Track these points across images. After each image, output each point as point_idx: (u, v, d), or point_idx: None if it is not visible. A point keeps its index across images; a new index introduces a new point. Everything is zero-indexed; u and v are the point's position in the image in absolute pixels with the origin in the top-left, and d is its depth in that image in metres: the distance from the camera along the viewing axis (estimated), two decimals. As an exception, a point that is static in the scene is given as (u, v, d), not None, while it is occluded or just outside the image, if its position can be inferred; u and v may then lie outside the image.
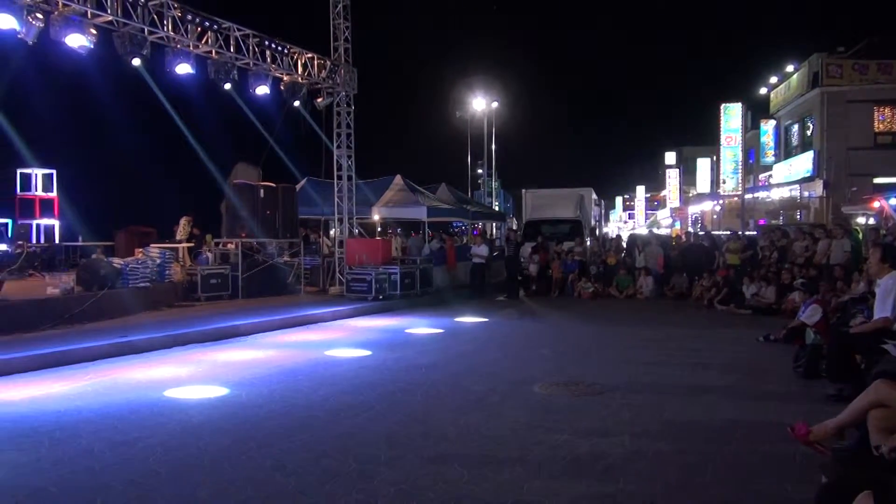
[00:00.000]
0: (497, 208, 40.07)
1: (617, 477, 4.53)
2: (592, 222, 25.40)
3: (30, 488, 4.33)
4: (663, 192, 64.93)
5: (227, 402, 6.62)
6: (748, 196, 31.53)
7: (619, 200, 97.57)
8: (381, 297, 14.70)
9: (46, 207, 19.02)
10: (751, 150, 35.88)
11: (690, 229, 34.78)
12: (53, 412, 6.13)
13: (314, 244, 19.99)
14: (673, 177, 57.88)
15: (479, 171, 45.15)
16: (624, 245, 20.00)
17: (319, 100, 15.98)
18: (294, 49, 15.05)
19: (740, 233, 20.68)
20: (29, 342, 8.85)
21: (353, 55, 16.46)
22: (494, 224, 32.24)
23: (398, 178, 21.02)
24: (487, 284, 17.96)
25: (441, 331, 11.46)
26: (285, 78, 15.03)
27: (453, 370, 8.11)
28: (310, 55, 15.47)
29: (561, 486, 4.40)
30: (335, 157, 16.53)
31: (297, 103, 15.41)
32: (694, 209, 45.93)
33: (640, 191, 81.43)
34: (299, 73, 15.21)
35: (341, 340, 10.34)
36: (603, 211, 37.49)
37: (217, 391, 6.97)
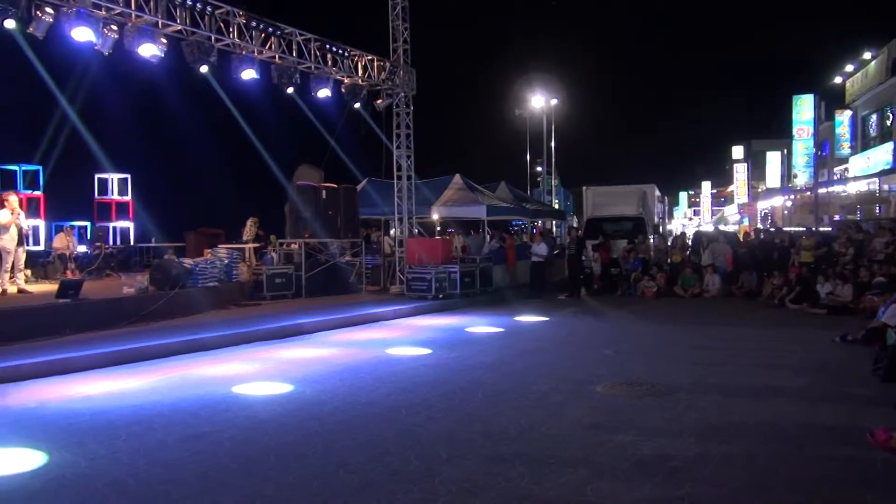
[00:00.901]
0: (557, 206, 39.67)
1: (683, 480, 4.40)
2: (656, 219, 24.79)
3: (109, 479, 4.53)
4: (730, 188, 62.98)
5: (292, 398, 6.77)
6: (822, 190, 30.19)
7: (683, 197, 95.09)
8: (440, 296, 14.76)
9: (122, 210, 19.90)
10: (824, 142, 34.34)
11: (760, 226, 33.56)
12: (129, 406, 6.41)
13: (375, 244, 20.25)
14: (741, 171, 56.06)
15: (539, 168, 44.81)
16: (689, 242, 19.47)
17: (379, 101, 16.17)
18: (354, 52, 15.27)
19: (814, 229, 19.81)
20: (106, 339, 9.27)
21: (411, 56, 16.59)
22: (554, 222, 31.91)
23: (457, 178, 21.05)
24: (548, 283, 17.78)
25: (501, 330, 11.41)
26: (346, 80, 15.28)
27: (514, 369, 8.07)
28: (369, 57, 15.67)
29: (625, 488, 4.32)
30: (395, 158, 16.69)
31: (357, 105, 15.64)
32: (763, 205, 44.35)
33: (706, 186, 79.17)
34: (359, 75, 15.42)
35: (402, 339, 10.43)
36: (667, 208, 36.62)
37: (282, 388, 7.14)
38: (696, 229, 34.52)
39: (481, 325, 11.79)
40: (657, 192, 25.24)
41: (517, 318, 12.74)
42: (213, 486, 4.40)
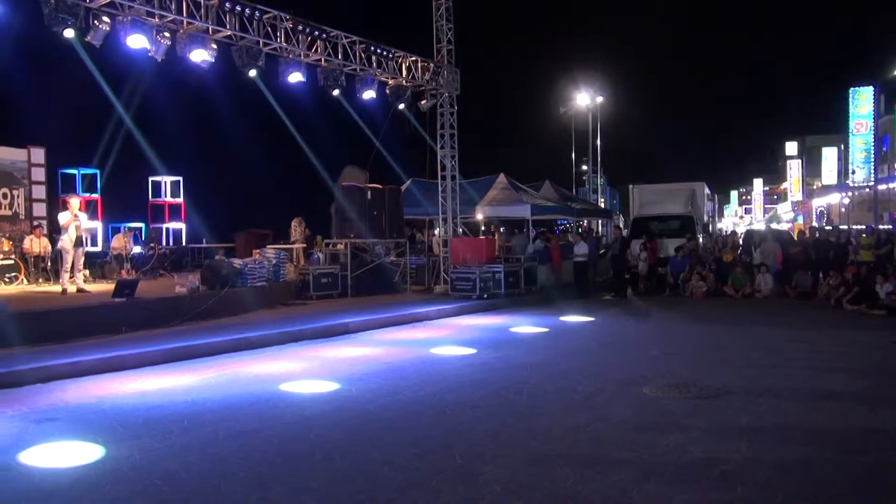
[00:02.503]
0: (603, 205, 39.18)
1: (734, 484, 4.30)
2: (705, 218, 24.29)
3: (163, 471, 4.67)
4: (783, 185, 61.20)
5: (338, 396, 6.85)
6: (882, 187, 29.04)
7: (734, 195, 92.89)
8: (485, 295, 14.74)
9: (174, 212, 20.50)
10: (885, 136, 33.04)
11: (815, 224, 32.50)
12: (181, 402, 6.59)
13: (419, 244, 20.35)
14: (794, 168, 54.44)
15: (584, 167, 44.35)
16: (740, 241, 19.00)
17: (423, 102, 16.25)
18: (398, 53, 15.38)
19: (874, 226, 19.08)
20: (160, 337, 9.56)
21: (455, 55, 16.62)
22: (600, 221, 31.51)
23: (501, 177, 20.99)
24: (592, 283, 17.59)
25: (546, 330, 11.33)
26: (390, 82, 15.40)
27: (559, 370, 8.00)
28: (413, 58, 15.76)
29: (673, 491, 4.24)
30: (439, 158, 16.74)
31: (401, 106, 15.75)
32: (819, 202, 42.95)
33: (758, 184, 77.15)
34: (404, 76, 15.53)
35: (446, 338, 10.46)
36: (717, 206, 35.76)
37: (328, 386, 7.23)
38: (748, 228, 33.63)
39: (526, 325, 11.73)
40: (707, 190, 24.72)
41: (562, 319, 12.63)
42: (262, 481, 4.49)
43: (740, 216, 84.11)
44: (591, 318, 12.73)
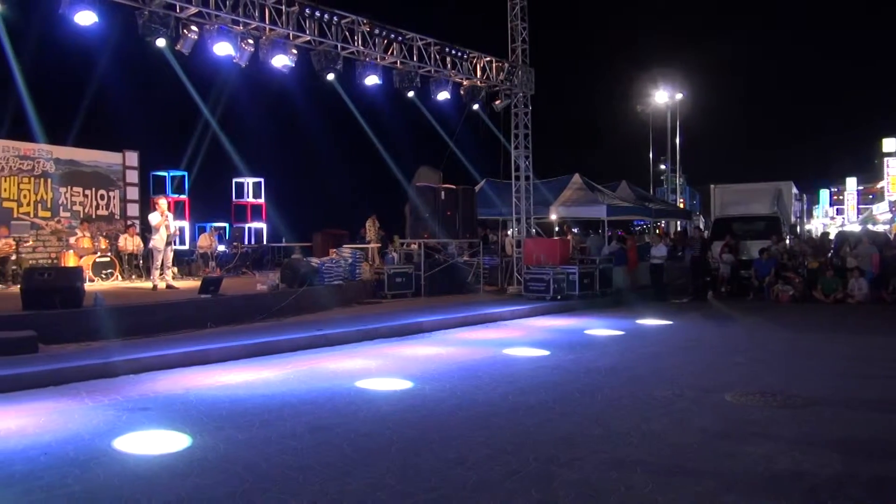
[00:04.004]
0: (682, 206, 38.03)
1: (824, 499, 4.08)
2: (793, 219, 23.15)
3: (245, 462, 4.84)
4: (880, 184, 57.68)
5: (412, 394, 6.92)
6: None
7: (824, 194, 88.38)
8: (559, 297, 14.57)
9: (256, 212, 21.27)
10: None
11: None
12: (262, 396, 6.82)
13: (492, 244, 20.32)
14: (893, 166, 51.17)
15: (663, 166, 43.18)
16: (831, 243, 18.02)
17: (497, 102, 16.22)
18: (473, 54, 15.41)
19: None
20: (242, 333, 9.93)
21: (530, 55, 16.50)
22: (679, 222, 30.59)
23: (576, 177, 20.69)
24: (669, 286, 17.10)
25: (622, 332, 11.09)
26: (465, 83, 15.45)
27: (635, 374, 7.81)
28: (488, 59, 15.76)
29: (757, 503, 4.06)
30: (513, 158, 16.66)
31: (475, 106, 15.77)
32: (919, 202, 40.15)
33: (851, 183, 73.06)
34: (478, 76, 15.55)
35: (519, 339, 10.39)
36: (805, 206, 34.04)
37: (402, 384, 7.32)
38: (840, 229, 31.87)
39: (601, 328, 11.51)
40: (794, 190, 23.56)
41: (638, 322, 12.33)
42: (338, 475, 4.58)
43: (831, 217, 79.84)
44: (670, 322, 12.37)
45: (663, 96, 36.32)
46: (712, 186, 22.52)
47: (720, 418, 5.88)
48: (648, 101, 37.46)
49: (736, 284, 16.88)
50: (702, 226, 29.00)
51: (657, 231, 27.64)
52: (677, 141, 37.88)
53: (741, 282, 16.87)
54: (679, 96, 36.88)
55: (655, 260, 16.89)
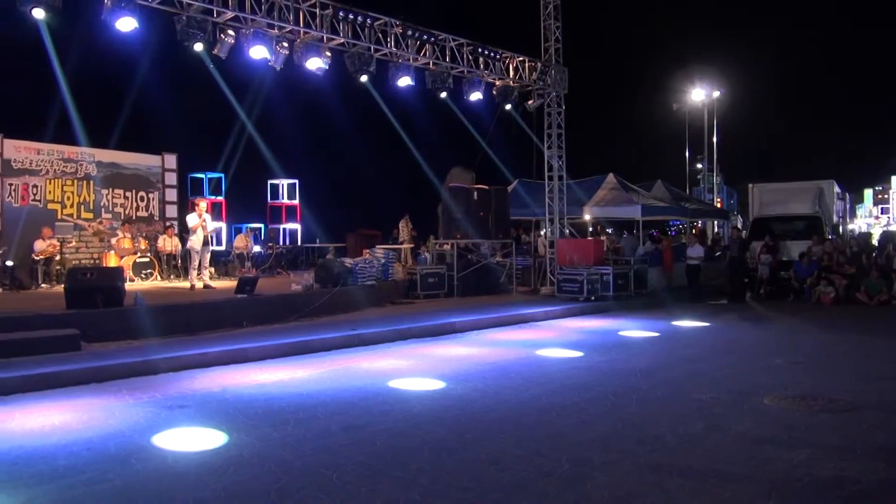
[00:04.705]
0: (719, 205, 37.37)
1: (868, 507, 3.96)
2: (835, 218, 22.54)
3: (279, 460, 4.91)
4: (926, 183, 55.85)
5: (445, 394, 6.93)
6: None
7: (868, 193, 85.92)
8: (592, 297, 14.44)
9: (291, 213, 21.55)
10: None
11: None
12: (297, 395, 6.90)
13: (525, 245, 20.24)
14: (940, 164, 49.49)
15: (699, 166, 42.51)
16: (875, 243, 17.51)
17: (530, 102, 16.15)
18: (506, 54, 15.37)
19: None
20: (277, 332, 10.06)
21: (563, 54, 16.39)
22: (716, 222, 30.07)
23: (610, 177, 20.48)
24: (705, 287, 16.83)
25: (656, 334, 10.94)
26: (497, 83, 15.42)
27: (671, 376, 7.70)
28: (520, 58, 15.70)
29: (798, 510, 3.96)
30: (546, 158, 16.57)
31: (508, 107, 15.73)
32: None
33: (896, 182, 70.95)
34: (510, 76, 15.50)
35: (552, 340, 10.33)
36: (848, 206, 33.14)
37: (435, 384, 7.33)
38: (884, 229, 30.96)
39: (635, 329, 11.38)
40: (836, 189, 22.95)
41: (674, 323, 12.14)
42: (371, 474, 4.61)
43: (875, 216, 77.59)
44: (706, 324, 12.16)
45: (700, 94, 35.73)
46: (750, 186, 22.07)
47: (758, 422, 5.76)
48: (685, 99, 36.90)
49: (775, 286, 16.52)
50: (740, 225, 28.48)
51: (693, 231, 27.19)
52: (714, 139, 37.25)
53: (781, 283, 16.51)
54: (717, 94, 36.25)
55: (692, 260, 16.64)
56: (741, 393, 6.75)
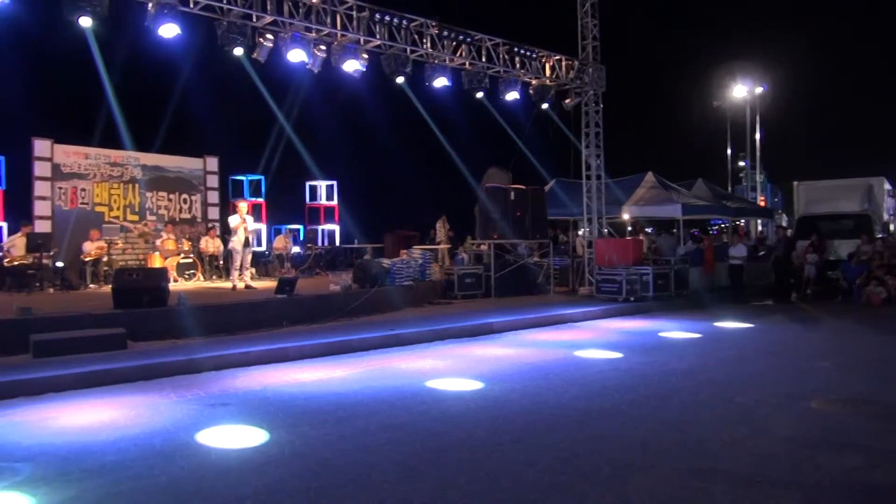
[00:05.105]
0: (763, 204, 36.51)
1: (924, 516, 3.82)
2: (885, 217, 21.82)
3: (319, 458, 4.95)
4: (984, 178, 53.63)
5: (482, 395, 6.91)
6: None
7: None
8: (632, 298, 14.24)
9: (329, 214, 21.77)
10: None
11: None
12: (336, 394, 6.95)
13: (563, 245, 20.08)
14: None
15: (742, 163, 41.59)
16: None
17: (567, 101, 16.01)
18: (542, 53, 15.27)
19: None
20: (316, 332, 10.17)
21: (601, 52, 16.20)
22: (759, 221, 29.40)
23: (650, 175, 20.19)
24: (749, 287, 16.45)
25: (699, 335, 10.73)
26: (534, 82, 15.33)
27: (714, 378, 7.54)
28: (557, 57, 15.58)
29: (849, 517, 3.84)
30: (583, 157, 16.41)
31: (545, 106, 15.62)
32: None
33: (950, 178, 68.32)
34: (547, 75, 15.40)
35: (591, 341, 10.22)
36: (900, 203, 31.97)
37: (472, 384, 7.32)
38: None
39: (676, 330, 11.18)
40: (887, 185, 22.20)
41: (716, 324, 11.90)
42: (410, 474, 4.62)
43: (929, 214, 74.78)
44: (750, 325, 11.88)
45: (742, 90, 34.96)
46: (796, 183, 21.51)
47: (806, 427, 5.60)
48: (726, 96, 36.15)
49: (823, 286, 16.06)
50: (784, 224, 27.78)
51: (736, 230, 26.63)
52: (757, 136, 36.40)
53: (828, 283, 16.04)
54: (759, 90, 35.41)
55: (734, 260, 16.31)
56: (787, 396, 6.57)
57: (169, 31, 10.46)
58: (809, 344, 10.11)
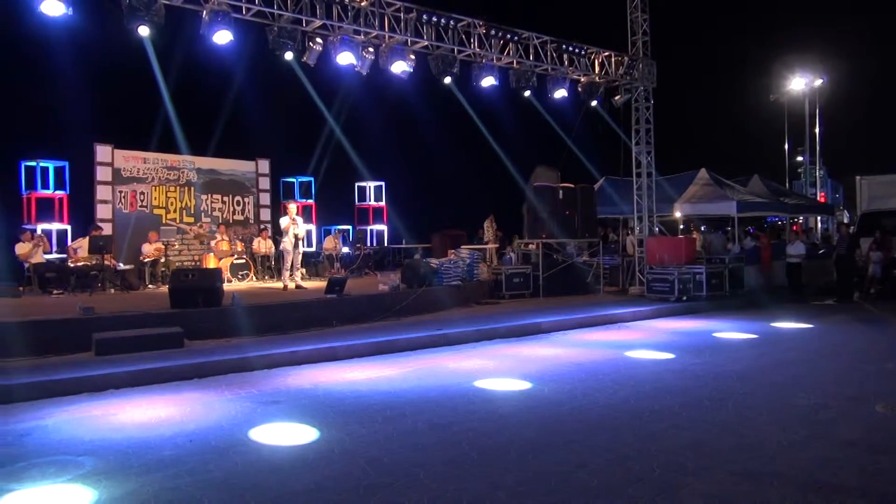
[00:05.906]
0: (823, 200, 35.21)
1: None
2: (956, 211, 20.76)
3: (368, 457, 5.00)
4: None
5: (531, 395, 6.87)
6: None
7: None
8: (684, 297, 13.93)
9: (378, 215, 21.96)
10: None
11: None
12: (384, 393, 7.02)
13: (612, 244, 19.78)
14: None
15: (800, 158, 40.21)
16: None
17: (617, 97, 15.77)
18: (591, 49, 15.07)
19: None
20: (366, 331, 10.27)
21: (651, 47, 15.90)
22: (819, 218, 28.38)
23: (703, 172, 19.69)
24: (808, 286, 15.88)
25: (754, 336, 10.42)
26: (582, 79, 15.15)
27: (771, 380, 7.31)
28: (606, 53, 15.35)
29: (916, 527, 3.67)
30: (634, 154, 16.13)
31: (594, 103, 15.42)
32: None
33: None
34: (596, 72, 15.19)
35: (642, 342, 10.04)
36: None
37: (521, 385, 7.28)
38: None
39: (731, 331, 10.88)
40: (957, 178, 21.12)
41: (773, 325, 11.53)
42: (457, 473, 4.62)
43: None
44: (810, 325, 11.48)
45: (801, 83, 33.78)
46: (858, 178, 20.68)
47: (870, 431, 5.37)
48: (783, 89, 34.99)
49: (887, 285, 15.40)
50: (846, 221, 26.73)
51: (794, 228, 25.77)
52: (817, 130, 35.11)
53: (893, 282, 15.37)
54: (819, 82, 34.15)
55: (792, 259, 15.78)
56: (850, 399, 6.33)
57: (222, 37, 10.73)
58: (873, 345, 9.70)
